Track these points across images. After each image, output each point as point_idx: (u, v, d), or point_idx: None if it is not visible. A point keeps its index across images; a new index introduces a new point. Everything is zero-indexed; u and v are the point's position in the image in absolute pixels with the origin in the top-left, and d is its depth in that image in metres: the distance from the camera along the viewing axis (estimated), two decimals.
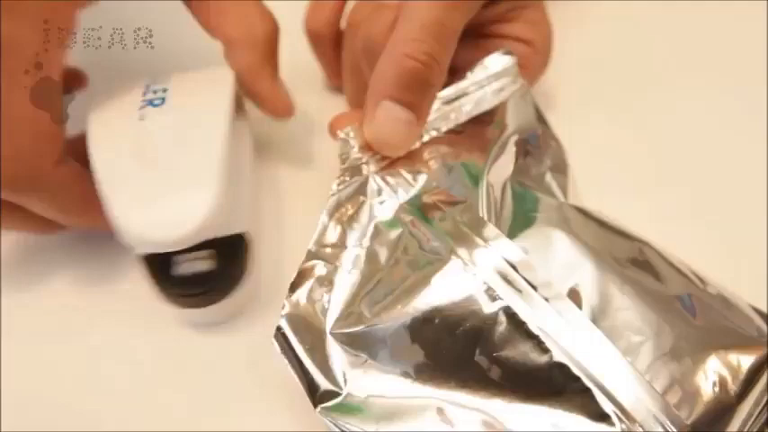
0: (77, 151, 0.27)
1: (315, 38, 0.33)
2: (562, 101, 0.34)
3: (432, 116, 0.28)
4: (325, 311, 0.25)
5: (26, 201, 0.27)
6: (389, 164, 0.27)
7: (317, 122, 0.35)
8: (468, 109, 0.29)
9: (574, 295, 0.24)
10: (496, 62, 0.29)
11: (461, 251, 0.25)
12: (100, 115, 0.28)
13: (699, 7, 0.37)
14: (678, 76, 0.35)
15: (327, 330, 0.25)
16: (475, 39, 0.30)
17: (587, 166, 0.30)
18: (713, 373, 0.23)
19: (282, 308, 0.25)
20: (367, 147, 0.27)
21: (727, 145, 0.32)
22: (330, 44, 0.33)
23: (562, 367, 0.23)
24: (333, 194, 0.26)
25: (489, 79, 0.29)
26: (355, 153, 0.27)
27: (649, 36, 0.37)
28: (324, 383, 0.24)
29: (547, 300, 0.24)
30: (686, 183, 0.31)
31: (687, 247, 0.27)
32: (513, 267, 0.24)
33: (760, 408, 0.23)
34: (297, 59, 0.34)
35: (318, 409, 0.23)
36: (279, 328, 0.25)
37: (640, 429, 0.22)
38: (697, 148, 0.33)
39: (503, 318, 0.24)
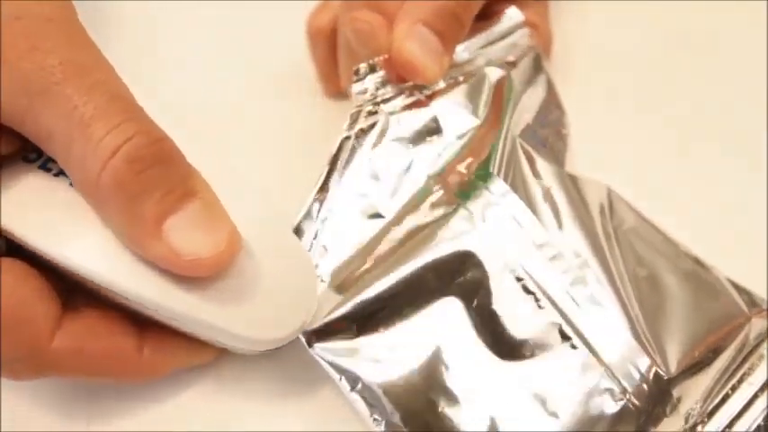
0: None
1: (315, 36, 0.31)
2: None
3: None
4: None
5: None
6: (409, 105, 0.27)
7: (305, 133, 0.33)
8: (481, 62, 0.29)
9: (573, 258, 0.25)
10: (508, 18, 0.30)
11: (470, 203, 0.25)
12: None
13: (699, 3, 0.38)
14: (679, 64, 0.35)
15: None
16: (477, 20, 0.29)
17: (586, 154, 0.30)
18: (690, 342, 0.25)
19: None
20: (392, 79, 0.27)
21: (726, 137, 0.33)
22: (331, 43, 0.31)
23: (555, 326, 0.24)
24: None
25: (501, 34, 0.29)
26: (374, 89, 0.27)
27: (649, 26, 0.37)
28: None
29: (550, 259, 0.24)
30: (689, 171, 0.32)
31: (687, 235, 0.28)
32: (519, 224, 0.25)
33: (730, 371, 0.25)
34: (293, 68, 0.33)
35: (312, 348, 0.23)
36: None
37: (623, 387, 0.23)
38: (698, 138, 0.33)
39: (503, 272, 0.24)
